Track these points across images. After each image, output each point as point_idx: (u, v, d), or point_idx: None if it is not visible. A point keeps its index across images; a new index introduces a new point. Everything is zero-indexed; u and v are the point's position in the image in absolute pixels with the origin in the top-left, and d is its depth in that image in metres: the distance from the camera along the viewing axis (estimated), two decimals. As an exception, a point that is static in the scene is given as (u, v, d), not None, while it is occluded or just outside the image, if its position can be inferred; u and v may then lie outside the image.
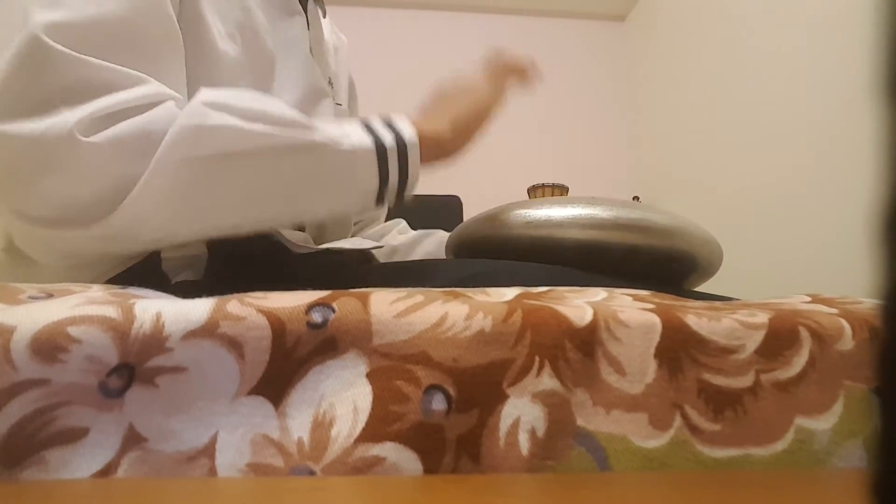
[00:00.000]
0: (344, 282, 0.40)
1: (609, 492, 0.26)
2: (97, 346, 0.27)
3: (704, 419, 0.29)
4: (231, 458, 0.27)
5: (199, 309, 0.28)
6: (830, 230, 1.23)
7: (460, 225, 0.57)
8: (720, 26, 1.76)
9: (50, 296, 0.33)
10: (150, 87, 0.41)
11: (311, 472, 0.26)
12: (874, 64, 0.13)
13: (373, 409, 0.27)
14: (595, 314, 0.31)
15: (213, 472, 0.27)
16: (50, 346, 0.27)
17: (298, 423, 0.27)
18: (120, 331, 0.27)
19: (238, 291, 0.31)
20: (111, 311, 0.28)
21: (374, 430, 0.27)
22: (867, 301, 0.37)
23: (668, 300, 0.35)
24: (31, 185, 0.38)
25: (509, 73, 0.61)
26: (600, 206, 0.49)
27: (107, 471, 0.26)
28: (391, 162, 0.46)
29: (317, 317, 0.29)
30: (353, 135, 0.45)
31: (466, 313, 0.30)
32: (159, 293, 0.38)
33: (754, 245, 1.50)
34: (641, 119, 2.33)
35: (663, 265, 0.50)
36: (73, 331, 0.27)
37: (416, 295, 0.32)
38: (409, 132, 0.47)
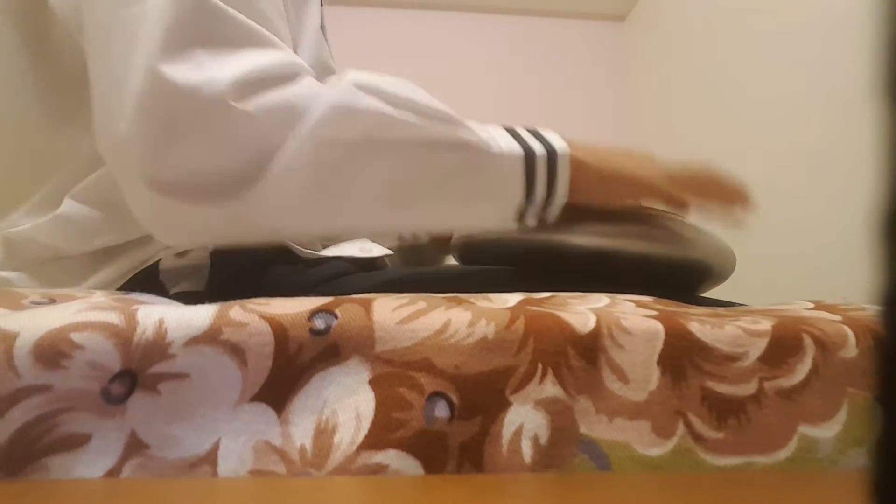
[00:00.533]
0: (348, 290, 0.40)
1: (609, 493, 0.26)
2: (100, 353, 0.27)
3: (708, 427, 0.29)
4: (233, 465, 0.27)
5: (201, 315, 0.28)
6: (831, 231, 1.23)
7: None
8: (720, 26, 1.76)
9: (52, 301, 0.33)
10: (287, 54, 0.39)
11: (314, 480, 0.26)
12: (874, 64, 0.13)
13: (375, 416, 0.27)
14: (598, 321, 0.31)
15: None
16: (52, 352, 0.26)
17: (301, 430, 0.27)
18: (122, 337, 0.27)
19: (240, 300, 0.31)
20: (114, 318, 0.28)
21: (377, 438, 0.27)
22: (870, 308, 0.37)
23: (671, 307, 0.35)
24: (175, 146, 0.35)
25: (706, 188, 0.49)
26: (612, 213, 0.48)
27: (109, 477, 0.26)
28: (538, 173, 0.42)
29: (319, 323, 0.29)
30: (500, 138, 0.42)
31: (469, 320, 0.30)
32: (163, 299, 0.38)
33: (755, 246, 1.50)
34: (641, 119, 2.33)
35: (676, 274, 0.49)
36: (76, 337, 0.27)
37: (419, 301, 0.32)
38: (560, 144, 0.43)
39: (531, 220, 0.44)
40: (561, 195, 0.43)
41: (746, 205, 0.51)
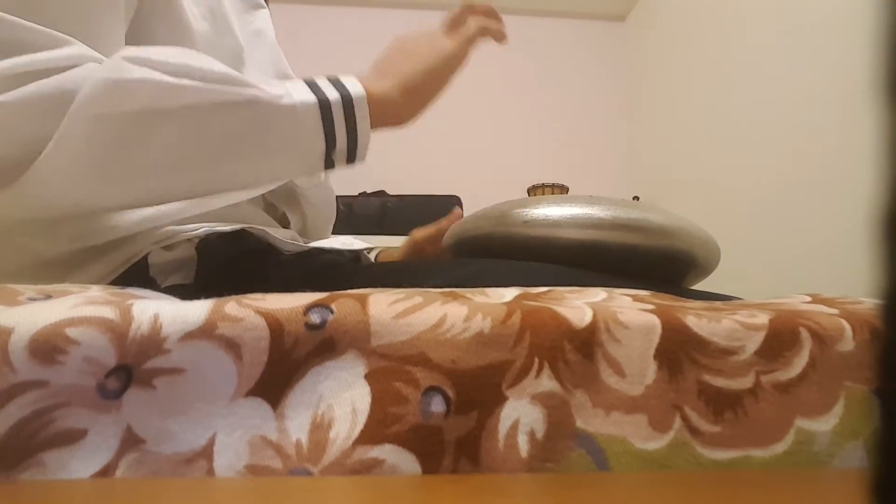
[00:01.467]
0: (338, 283, 0.40)
1: (609, 492, 0.26)
2: (95, 348, 0.27)
3: (704, 421, 0.29)
4: (229, 459, 0.27)
5: (196, 310, 0.28)
6: (830, 230, 1.23)
7: (458, 222, 0.57)
8: (720, 26, 1.76)
9: (48, 297, 0.33)
10: (73, 49, 0.39)
11: (310, 474, 0.26)
12: (874, 64, 0.13)
13: (371, 410, 0.27)
14: (594, 315, 0.31)
15: (211, 473, 0.26)
16: (48, 347, 0.26)
17: (297, 425, 0.27)
18: (118, 332, 0.27)
19: (229, 293, 0.31)
20: (109, 313, 0.28)
21: (373, 432, 0.27)
22: (868, 301, 0.37)
23: (668, 301, 0.35)
24: None
25: (476, 28, 0.54)
26: (598, 206, 0.49)
27: (105, 472, 0.26)
28: (337, 120, 0.43)
29: (315, 318, 0.29)
30: (294, 91, 0.42)
31: (465, 314, 0.30)
32: (159, 294, 0.38)
33: (754, 245, 1.50)
34: (641, 119, 2.33)
35: (661, 264, 0.50)
36: (72, 332, 0.27)
37: (415, 296, 0.32)
38: (356, 89, 0.44)
39: (339, 164, 0.45)
40: (364, 136, 0.44)
41: (497, 18, 0.57)
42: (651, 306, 0.32)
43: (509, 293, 0.34)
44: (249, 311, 0.29)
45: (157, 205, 0.43)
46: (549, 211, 0.49)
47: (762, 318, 0.32)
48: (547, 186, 2.03)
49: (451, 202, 1.96)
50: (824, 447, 0.30)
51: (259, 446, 0.27)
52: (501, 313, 0.30)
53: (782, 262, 1.41)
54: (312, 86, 0.43)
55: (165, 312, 0.28)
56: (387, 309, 0.30)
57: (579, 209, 0.49)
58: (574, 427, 0.29)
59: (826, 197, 1.27)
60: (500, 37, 0.56)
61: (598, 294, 0.35)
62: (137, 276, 0.46)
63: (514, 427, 0.28)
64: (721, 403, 0.30)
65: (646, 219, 0.49)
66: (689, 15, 1.96)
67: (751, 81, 1.58)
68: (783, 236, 1.41)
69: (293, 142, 0.42)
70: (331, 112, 0.43)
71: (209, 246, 0.48)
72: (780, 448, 0.30)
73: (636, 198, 2.26)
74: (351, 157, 0.45)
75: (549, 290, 0.36)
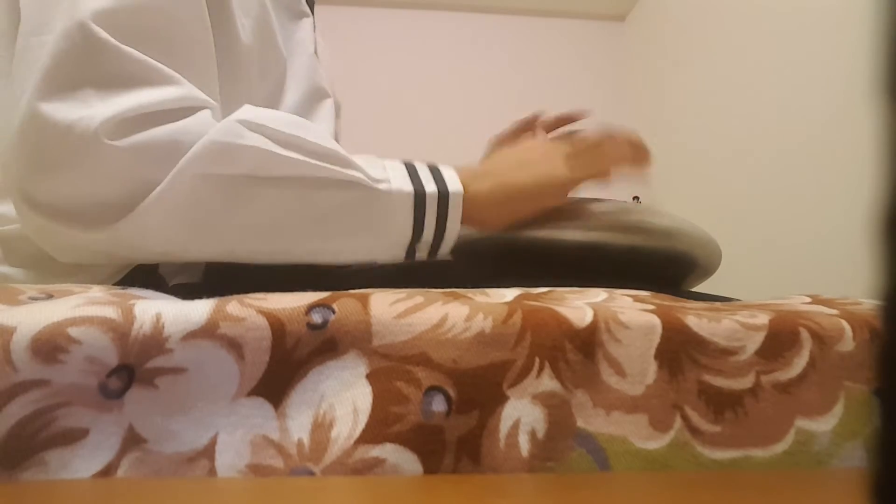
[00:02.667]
0: (341, 282, 0.40)
1: (609, 492, 0.26)
2: (97, 347, 0.27)
3: (705, 420, 0.29)
4: (231, 459, 0.27)
5: (198, 310, 0.28)
6: (830, 230, 1.23)
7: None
8: (720, 26, 1.76)
9: (50, 296, 0.33)
10: (185, 90, 0.40)
11: (311, 474, 0.26)
12: (874, 64, 0.13)
13: (373, 410, 0.27)
14: (595, 315, 0.31)
15: (212, 473, 0.26)
16: (50, 346, 0.26)
17: (298, 424, 0.27)
18: (120, 332, 0.27)
19: (237, 293, 0.31)
20: (111, 312, 0.28)
21: (374, 432, 0.27)
22: (867, 302, 0.37)
23: (669, 301, 0.35)
24: (48, 176, 0.37)
25: (606, 161, 0.50)
26: (600, 207, 0.50)
27: (106, 471, 0.26)
28: (429, 213, 0.43)
29: (317, 318, 0.29)
30: (392, 177, 0.42)
31: (466, 314, 0.30)
32: (160, 294, 0.38)
33: (754, 245, 1.50)
34: (641, 119, 2.33)
35: (663, 266, 0.50)
36: (74, 331, 0.27)
37: (416, 296, 0.32)
38: (454, 185, 0.44)
39: (420, 255, 0.45)
40: (451, 234, 0.45)
41: (648, 158, 0.52)
42: (651, 306, 0.32)
43: (510, 293, 0.34)
44: (251, 310, 0.29)
45: (233, 260, 0.43)
46: (551, 212, 0.49)
47: (762, 319, 0.32)
48: (547, 186, 2.03)
49: (451, 202, 1.96)
50: (824, 447, 0.30)
51: (261, 445, 0.27)
52: (502, 313, 0.30)
53: (782, 263, 1.41)
54: (412, 172, 0.44)
55: (167, 312, 0.28)
56: (388, 309, 0.30)
57: (578, 210, 0.49)
58: (575, 426, 0.29)
59: (826, 197, 1.27)
60: (637, 174, 0.51)
61: (599, 294, 0.35)
62: (146, 272, 0.46)
63: (515, 426, 0.28)
64: (721, 403, 0.30)
65: (647, 220, 0.49)
66: (689, 15, 1.96)
67: (751, 81, 1.58)
68: (783, 237, 1.41)
69: (382, 228, 0.43)
70: (424, 204, 0.43)
71: None
72: (780, 448, 0.30)
73: (636, 198, 2.26)
74: (433, 251, 0.45)
75: (549, 291, 0.36)
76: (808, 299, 0.39)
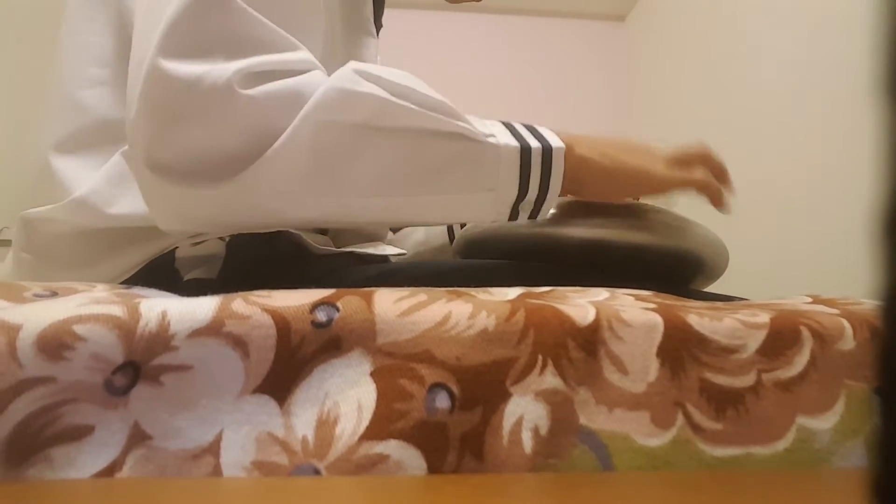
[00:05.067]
0: (354, 283, 0.40)
1: (610, 491, 0.26)
2: (103, 345, 0.27)
3: (706, 418, 0.30)
4: (236, 456, 0.27)
5: (204, 307, 0.29)
6: (831, 230, 1.23)
7: (467, 227, 0.57)
8: (720, 26, 1.76)
9: (54, 294, 0.33)
10: (304, 54, 0.40)
11: (316, 470, 0.27)
12: (874, 64, 0.13)
13: (377, 407, 0.28)
14: (598, 313, 0.31)
15: (217, 470, 0.27)
16: (56, 343, 0.27)
17: (303, 422, 0.28)
18: (126, 329, 0.27)
19: (251, 290, 0.31)
20: (117, 310, 0.28)
21: (378, 428, 0.27)
22: (868, 302, 0.37)
23: (670, 300, 0.36)
24: (175, 130, 0.37)
25: (698, 179, 0.50)
26: (607, 205, 0.49)
27: (112, 468, 0.26)
28: (534, 169, 0.42)
29: (321, 316, 0.29)
30: (497, 132, 0.42)
31: (470, 312, 0.30)
32: (164, 293, 0.38)
33: (755, 245, 1.50)
34: (641, 119, 2.33)
35: (669, 265, 0.50)
36: (79, 329, 0.27)
37: (420, 294, 0.32)
38: (556, 141, 0.43)
39: (523, 215, 0.45)
40: (554, 191, 0.44)
41: (730, 184, 0.53)
42: (653, 305, 0.33)
43: (513, 291, 0.35)
44: (256, 308, 0.29)
45: (340, 225, 0.43)
46: (557, 210, 0.49)
47: (763, 317, 0.32)
48: (547, 186, 2.03)
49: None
50: (825, 445, 0.30)
51: (266, 442, 0.27)
52: (506, 311, 0.30)
53: (782, 263, 1.41)
54: (512, 130, 0.43)
55: (173, 310, 0.28)
56: (392, 307, 0.30)
57: (586, 208, 0.49)
58: (577, 424, 0.29)
59: (826, 197, 1.27)
60: (718, 202, 0.51)
61: (601, 293, 0.35)
62: (162, 266, 0.46)
63: (518, 423, 0.28)
64: (723, 401, 0.30)
65: (654, 218, 0.49)
66: (689, 15, 1.97)
67: (750, 81, 1.59)
68: (783, 237, 1.41)
69: (491, 183, 0.42)
70: (530, 160, 0.42)
71: (239, 244, 0.48)
72: (781, 445, 0.30)
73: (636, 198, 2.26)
74: (535, 211, 0.45)
75: (552, 290, 0.37)
76: (809, 299, 0.40)
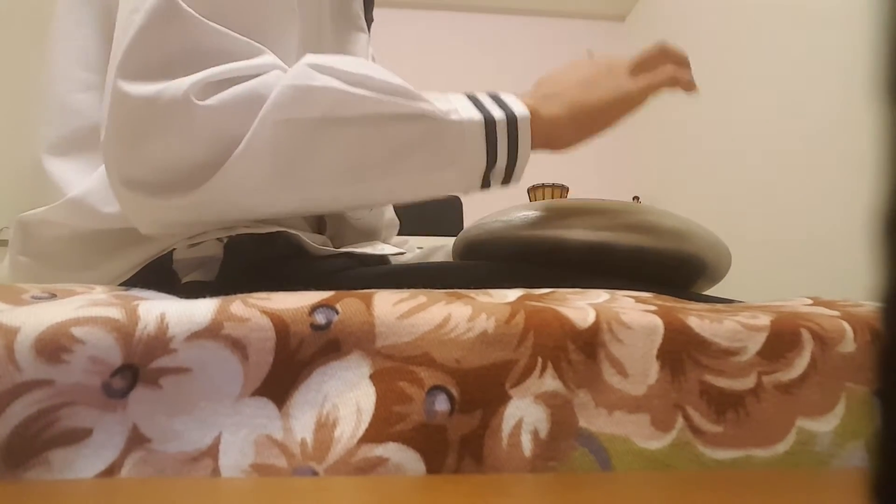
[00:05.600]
0: (355, 285, 0.40)
1: (610, 492, 0.26)
2: (101, 347, 0.27)
3: (706, 420, 0.30)
4: (234, 458, 0.27)
5: (202, 310, 0.28)
6: (831, 231, 1.23)
7: (467, 228, 0.57)
8: (720, 26, 1.76)
9: (53, 296, 0.33)
10: (266, 58, 0.41)
11: (315, 473, 0.27)
12: (874, 64, 0.13)
13: (376, 409, 0.28)
14: (597, 316, 0.31)
15: (216, 472, 0.27)
16: (54, 346, 0.27)
17: (302, 424, 0.28)
18: (124, 332, 0.27)
19: (248, 293, 0.31)
20: (115, 313, 0.28)
21: (378, 431, 0.27)
22: (869, 304, 0.37)
23: (670, 302, 0.35)
24: (142, 148, 0.38)
25: (665, 77, 0.50)
26: (607, 207, 0.49)
27: (110, 471, 0.26)
28: (500, 139, 0.43)
29: (320, 318, 0.29)
30: (460, 108, 0.43)
31: (469, 315, 0.30)
32: (163, 294, 0.38)
33: (755, 246, 1.50)
34: (641, 119, 2.33)
35: (671, 268, 0.50)
36: (77, 331, 0.27)
37: (419, 296, 0.32)
38: (520, 109, 0.44)
39: (496, 183, 0.46)
40: (524, 157, 0.45)
41: (689, 67, 0.53)
42: (653, 307, 0.32)
43: (512, 294, 0.35)
44: (255, 311, 0.29)
45: (319, 213, 0.43)
46: (559, 213, 0.49)
47: (764, 320, 0.32)
48: (547, 186, 2.04)
49: (452, 202, 1.96)
50: (825, 447, 0.30)
51: (264, 445, 0.27)
52: (505, 313, 0.30)
53: (782, 264, 1.41)
54: (476, 102, 0.44)
55: (172, 312, 0.28)
56: (391, 309, 0.30)
57: (588, 210, 0.49)
58: (577, 426, 0.29)
59: (827, 197, 1.27)
60: (689, 87, 0.51)
61: (601, 295, 0.35)
62: (160, 268, 0.46)
63: (518, 426, 0.28)
64: (723, 403, 0.30)
65: (655, 221, 0.49)
66: (689, 15, 1.97)
67: (750, 81, 1.59)
68: (783, 237, 1.41)
69: (457, 158, 0.43)
70: (495, 131, 0.43)
71: (237, 246, 0.48)
72: (781, 448, 0.30)
73: (636, 198, 2.26)
74: (507, 178, 0.46)
75: (551, 292, 0.36)
76: (810, 301, 0.40)
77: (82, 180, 0.46)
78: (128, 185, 0.39)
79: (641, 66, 0.50)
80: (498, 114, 0.43)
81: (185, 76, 0.37)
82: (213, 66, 0.38)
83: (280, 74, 0.40)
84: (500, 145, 0.43)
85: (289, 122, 0.38)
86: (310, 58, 0.40)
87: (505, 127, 0.43)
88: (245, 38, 0.40)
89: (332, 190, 0.42)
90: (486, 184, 0.45)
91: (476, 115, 0.43)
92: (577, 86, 0.48)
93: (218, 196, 0.39)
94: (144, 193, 0.39)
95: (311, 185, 0.41)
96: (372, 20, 0.67)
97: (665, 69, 0.50)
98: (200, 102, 0.37)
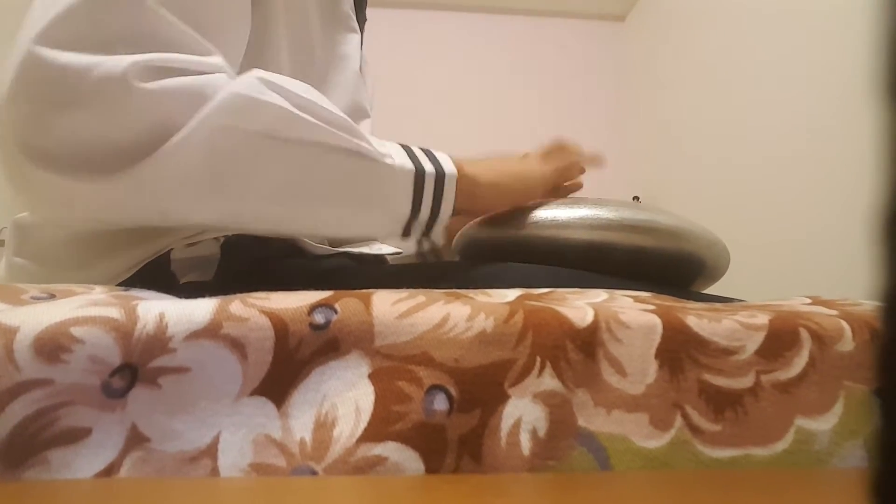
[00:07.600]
0: (344, 285, 0.40)
1: (609, 492, 0.26)
2: (100, 347, 0.27)
3: (705, 419, 0.30)
4: (233, 458, 0.27)
5: (201, 309, 0.28)
6: (831, 230, 1.23)
7: (467, 225, 0.57)
8: (720, 26, 1.76)
9: (52, 296, 0.33)
10: (216, 59, 0.40)
11: (314, 472, 0.27)
12: (874, 64, 0.13)
13: (375, 409, 0.28)
14: (596, 315, 0.31)
15: (215, 472, 0.27)
16: (53, 346, 0.27)
17: (301, 424, 0.28)
18: (123, 331, 0.27)
19: (247, 293, 0.31)
20: (114, 312, 0.28)
21: (376, 430, 0.27)
22: (867, 303, 0.37)
23: (669, 301, 0.35)
24: (57, 116, 0.35)
25: (566, 163, 0.59)
26: (607, 207, 0.49)
27: (109, 471, 0.26)
28: (426, 191, 0.45)
29: (319, 318, 0.29)
30: (395, 154, 0.44)
31: (468, 314, 0.30)
32: (162, 294, 0.38)
33: (754, 246, 1.50)
34: (641, 119, 2.33)
35: (670, 267, 0.50)
36: (77, 331, 0.27)
37: (418, 296, 0.32)
38: (449, 167, 0.46)
39: (415, 236, 0.47)
40: (445, 213, 0.46)
41: (587, 153, 0.63)
42: (652, 306, 0.33)
43: (511, 293, 0.35)
44: (254, 310, 0.29)
45: (235, 231, 0.43)
46: (558, 212, 0.49)
47: (762, 319, 0.32)
48: (546, 186, 2.03)
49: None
50: (824, 446, 0.30)
51: (263, 445, 0.27)
52: (504, 313, 0.30)
53: (782, 264, 1.41)
54: (409, 153, 0.45)
55: (171, 312, 0.28)
56: (390, 309, 0.30)
57: (588, 210, 0.49)
58: (576, 425, 0.29)
59: (826, 197, 1.27)
60: (596, 163, 0.61)
61: (600, 295, 0.35)
62: (158, 269, 0.46)
63: (517, 425, 0.28)
64: (722, 402, 0.30)
65: (654, 220, 0.49)
66: (689, 15, 1.97)
67: (750, 81, 1.59)
68: (782, 237, 1.41)
69: (385, 202, 0.44)
70: (423, 182, 0.44)
71: (234, 246, 0.48)
72: (780, 447, 0.30)
73: (636, 198, 2.26)
74: (427, 230, 0.47)
75: (550, 291, 0.37)
76: (809, 300, 0.40)
77: None
78: (30, 153, 0.36)
79: (547, 157, 0.58)
80: (429, 167, 0.45)
81: (125, 55, 0.36)
82: (159, 51, 0.37)
83: (226, 79, 0.39)
84: (426, 197, 0.45)
85: (229, 129, 0.38)
86: (259, 72, 0.40)
87: (433, 181, 0.45)
88: (196, 34, 0.39)
89: (258, 208, 0.41)
90: (406, 232, 0.46)
91: (409, 164, 0.44)
92: (500, 161, 0.53)
93: (136, 188, 0.37)
94: (50, 168, 0.36)
95: (236, 198, 0.40)
96: (365, 20, 0.67)
97: (568, 156, 0.59)
98: (140, 84, 0.35)
